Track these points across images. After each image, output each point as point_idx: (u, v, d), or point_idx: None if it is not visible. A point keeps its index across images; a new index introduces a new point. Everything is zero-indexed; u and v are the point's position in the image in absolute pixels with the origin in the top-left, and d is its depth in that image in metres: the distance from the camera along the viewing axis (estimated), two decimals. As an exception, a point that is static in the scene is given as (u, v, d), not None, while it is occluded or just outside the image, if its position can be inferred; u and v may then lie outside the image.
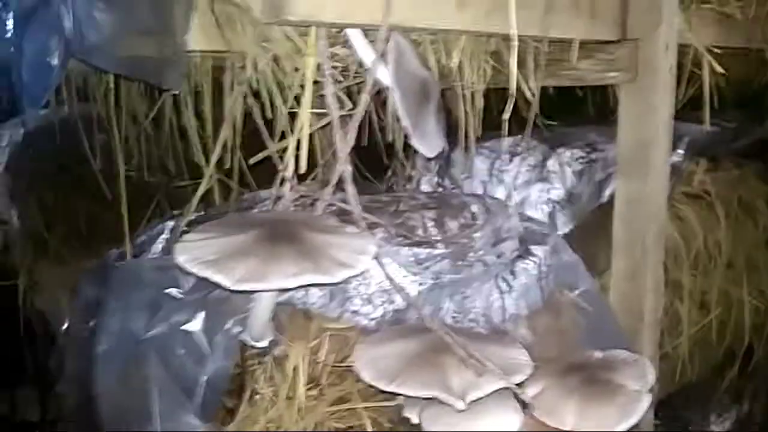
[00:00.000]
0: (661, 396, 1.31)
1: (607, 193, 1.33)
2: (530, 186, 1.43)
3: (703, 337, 1.39)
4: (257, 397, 0.85)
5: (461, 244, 0.93)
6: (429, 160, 1.23)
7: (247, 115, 0.98)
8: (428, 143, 0.90)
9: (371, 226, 0.87)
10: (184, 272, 0.79)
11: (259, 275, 0.62)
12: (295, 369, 0.83)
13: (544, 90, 1.63)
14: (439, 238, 0.93)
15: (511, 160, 1.46)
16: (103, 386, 0.80)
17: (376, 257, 0.82)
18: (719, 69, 1.19)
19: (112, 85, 1.24)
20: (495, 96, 1.43)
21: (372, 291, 0.84)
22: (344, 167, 0.84)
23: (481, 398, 0.76)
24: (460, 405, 0.66)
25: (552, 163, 1.42)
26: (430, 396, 0.68)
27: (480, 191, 1.41)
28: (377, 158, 1.29)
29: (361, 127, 1.15)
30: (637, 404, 0.82)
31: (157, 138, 1.45)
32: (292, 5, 0.72)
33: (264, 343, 0.77)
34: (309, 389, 0.85)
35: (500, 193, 1.41)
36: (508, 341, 0.83)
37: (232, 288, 0.63)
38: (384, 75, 0.85)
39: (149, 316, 0.81)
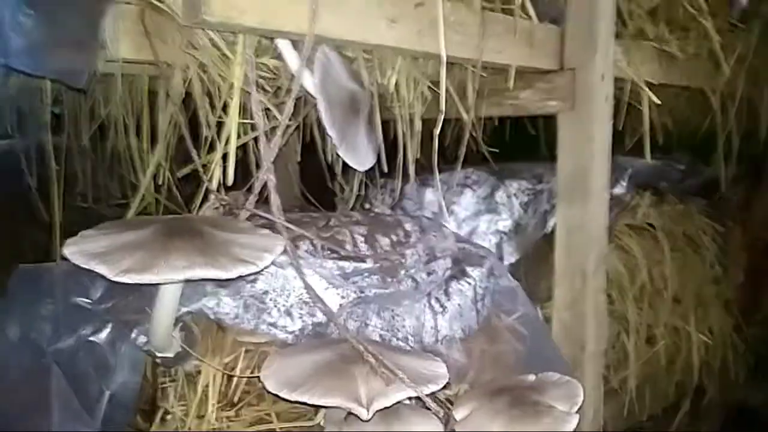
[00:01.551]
0: (611, 433, 1.27)
1: (551, 223, 1.33)
2: (479, 217, 1.43)
3: (652, 374, 1.37)
4: (168, 417, 0.81)
5: (391, 260, 0.91)
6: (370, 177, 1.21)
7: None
8: (357, 156, 0.89)
9: (296, 238, 0.85)
10: (93, 280, 0.76)
11: (144, 267, 0.59)
12: (206, 387, 0.79)
13: (496, 128, 1.66)
14: (368, 253, 0.91)
15: (461, 192, 1.47)
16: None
17: (297, 266, 0.79)
18: (656, 101, 1.21)
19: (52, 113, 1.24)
20: (446, 129, 1.44)
21: (291, 303, 0.80)
22: (268, 176, 0.82)
23: (399, 412, 0.73)
24: (364, 414, 0.63)
25: (500, 195, 1.43)
26: (335, 405, 0.64)
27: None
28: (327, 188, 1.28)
29: (302, 146, 1.16)
30: (563, 425, 0.78)
31: (101, 164, 1.44)
32: (208, 5, 0.71)
33: (169, 354, 0.73)
34: (222, 409, 0.80)
35: (451, 224, 1.40)
36: (426, 355, 0.80)
37: (113, 279, 0.59)
38: (310, 84, 0.84)
39: (54, 327, 0.77)
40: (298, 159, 1.03)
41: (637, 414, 1.34)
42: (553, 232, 1.28)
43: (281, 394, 0.65)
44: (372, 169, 1.05)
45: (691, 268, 1.45)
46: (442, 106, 0.88)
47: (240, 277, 0.70)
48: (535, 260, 1.30)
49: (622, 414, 1.30)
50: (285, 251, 0.72)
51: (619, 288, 1.31)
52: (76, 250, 0.62)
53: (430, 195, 1.49)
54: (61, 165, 1.30)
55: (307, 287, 0.77)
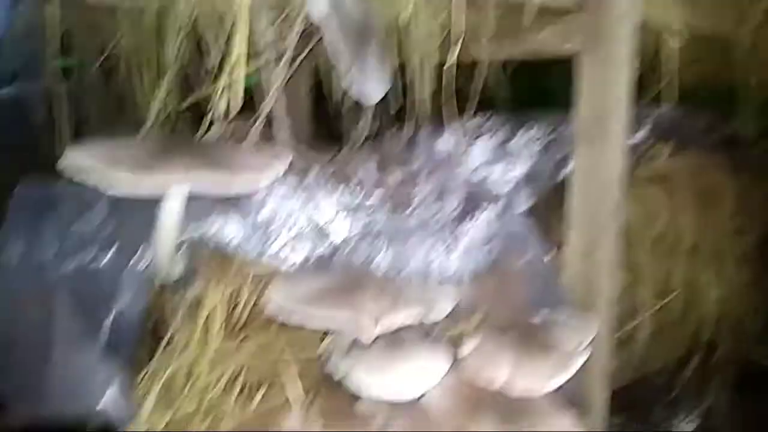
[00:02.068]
0: (620, 384, 1.26)
1: (564, 172, 1.30)
2: (493, 165, 1.40)
3: (664, 326, 1.35)
4: (171, 344, 0.80)
5: (399, 196, 0.89)
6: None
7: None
8: (366, 87, 0.86)
9: (302, 168, 0.83)
10: (97, 201, 0.76)
11: (142, 172, 0.58)
12: (211, 313, 0.78)
13: (512, 76, 1.62)
14: (376, 188, 0.89)
15: (475, 140, 1.44)
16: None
17: (305, 198, 0.78)
18: (675, 45, 1.17)
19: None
20: (460, 76, 1.40)
21: (295, 233, 0.79)
22: (274, 103, 0.80)
23: (405, 345, 0.72)
24: (371, 329, 0.61)
25: (515, 143, 1.40)
26: (340, 322, 0.63)
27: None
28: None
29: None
30: (572, 361, 0.77)
31: (109, 104, 1.42)
32: None
33: (172, 277, 0.72)
34: (227, 336, 0.80)
35: (464, 171, 1.38)
36: (433, 284, 0.79)
37: (108, 188, 0.58)
38: (319, 12, 0.81)
39: (58, 248, 0.76)
40: (308, 101, 1.00)
41: (647, 365, 1.33)
42: (565, 180, 1.25)
43: (284, 314, 0.64)
44: (383, 112, 1.03)
45: (709, 222, 1.42)
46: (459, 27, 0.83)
47: (243, 201, 0.69)
48: (547, 208, 1.27)
49: (631, 364, 1.28)
50: (290, 170, 0.71)
51: (634, 237, 1.28)
52: (74, 160, 0.60)
53: (442, 143, 1.47)
54: (70, 106, 1.29)
55: (312, 217, 0.76)
